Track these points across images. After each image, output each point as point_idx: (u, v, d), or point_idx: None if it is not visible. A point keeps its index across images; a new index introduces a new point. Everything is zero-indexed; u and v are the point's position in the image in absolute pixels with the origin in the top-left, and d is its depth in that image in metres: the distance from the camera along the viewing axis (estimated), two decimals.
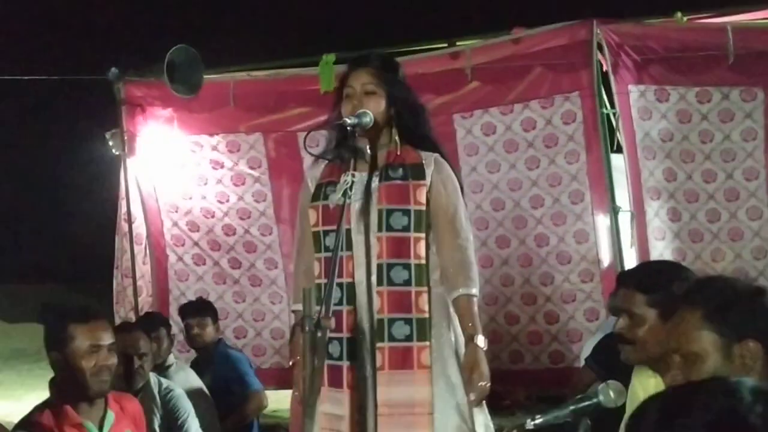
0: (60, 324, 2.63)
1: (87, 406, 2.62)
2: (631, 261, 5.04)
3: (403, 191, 2.65)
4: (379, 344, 2.59)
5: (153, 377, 3.45)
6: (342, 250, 2.55)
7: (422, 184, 2.66)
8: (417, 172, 2.67)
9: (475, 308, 2.65)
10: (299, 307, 2.64)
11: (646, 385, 2.26)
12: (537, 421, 1.82)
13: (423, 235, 2.66)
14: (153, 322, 3.91)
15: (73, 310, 2.73)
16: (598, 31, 5.09)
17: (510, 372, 5.44)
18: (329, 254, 2.57)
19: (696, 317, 1.74)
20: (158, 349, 3.79)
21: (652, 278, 2.25)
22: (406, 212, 2.63)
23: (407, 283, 2.62)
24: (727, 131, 5.20)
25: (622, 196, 5.20)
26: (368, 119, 2.60)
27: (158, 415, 3.33)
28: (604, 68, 5.17)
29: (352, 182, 2.59)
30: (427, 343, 2.61)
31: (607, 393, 1.85)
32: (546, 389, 5.44)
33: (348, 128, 2.59)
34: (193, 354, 4.86)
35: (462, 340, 2.64)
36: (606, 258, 5.23)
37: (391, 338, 2.59)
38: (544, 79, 5.29)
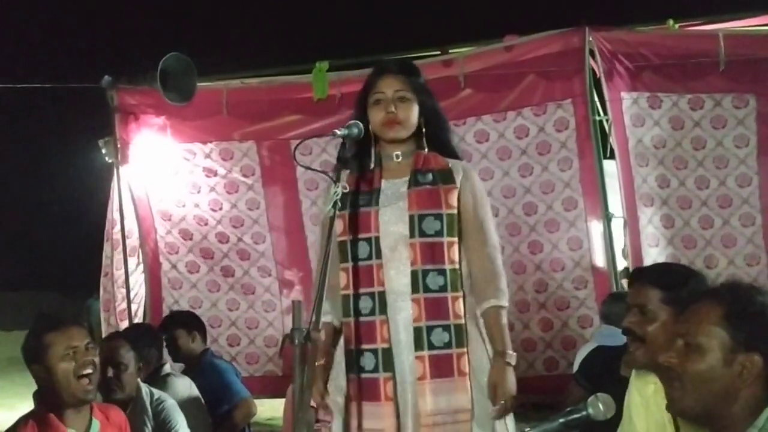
0: (35, 336, 2.63)
1: (72, 415, 2.62)
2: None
3: (434, 195, 2.61)
4: (418, 353, 2.53)
5: (144, 388, 3.41)
6: (372, 258, 2.56)
7: (453, 188, 2.63)
8: (446, 176, 2.65)
9: (505, 320, 2.61)
10: (329, 318, 2.62)
11: (644, 391, 2.25)
12: None
13: (455, 239, 2.62)
14: (138, 333, 3.89)
15: (43, 319, 2.75)
16: (591, 39, 5.11)
17: None
18: (356, 264, 2.58)
19: (716, 313, 1.74)
20: (141, 360, 3.72)
21: (670, 276, 2.24)
22: (438, 216, 2.59)
23: (443, 289, 2.57)
24: (719, 138, 5.21)
25: (615, 203, 5.20)
26: (357, 130, 2.58)
27: (149, 426, 3.30)
28: (597, 75, 5.18)
29: (342, 194, 2.54)
30: (465, 349, 2.57)
31: (596, 405, 1.84)
32: (541, 396, 5.42)
33: (350, 139, 2.56)
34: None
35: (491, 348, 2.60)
36: (599, 265, 5.23)
37: (431, 346, 2.54)
38: (536, 87, 5.29)
